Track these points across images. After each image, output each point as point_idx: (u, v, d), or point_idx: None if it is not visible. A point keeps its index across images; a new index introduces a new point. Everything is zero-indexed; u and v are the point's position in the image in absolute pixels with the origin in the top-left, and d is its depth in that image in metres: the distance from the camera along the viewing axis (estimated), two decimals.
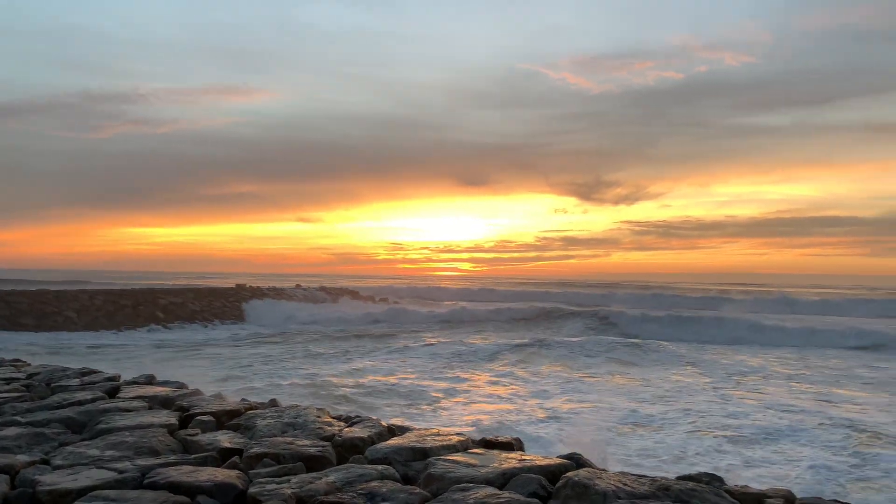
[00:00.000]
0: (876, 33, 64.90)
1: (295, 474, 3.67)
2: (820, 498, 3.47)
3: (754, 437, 8.79)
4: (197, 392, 6.29)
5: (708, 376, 14.07)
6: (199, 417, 4.96)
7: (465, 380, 13.24)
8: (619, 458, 7.57)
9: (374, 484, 3.48)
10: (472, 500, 3.23)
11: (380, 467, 3.82)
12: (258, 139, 78.88)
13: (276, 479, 3.54)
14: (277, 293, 32.86)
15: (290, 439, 4.35)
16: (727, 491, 3.56)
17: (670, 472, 4.84)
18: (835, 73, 70.31)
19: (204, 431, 4.67)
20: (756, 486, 3.90)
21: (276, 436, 4.52)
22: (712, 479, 3.86)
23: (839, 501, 3.43)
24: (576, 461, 4.08)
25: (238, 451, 4.17)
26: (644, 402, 11.09)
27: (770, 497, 3.41)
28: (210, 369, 14.12)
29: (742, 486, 3.71)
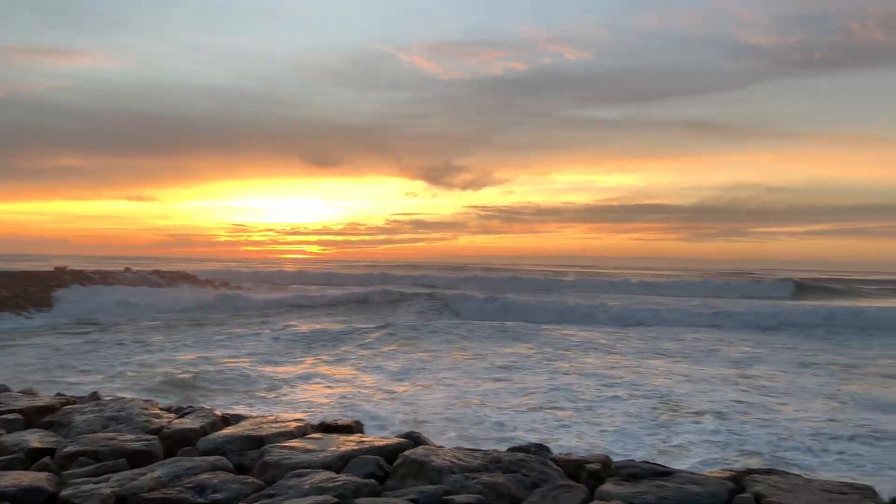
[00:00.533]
0: (696, 39, 71.54)
1: (116, 472, 3.43)
2: (632, 460, 3.80)
3: (576, 407, 9.48)
4: (4, 388, 5.70)
5: (538, 352, 14.91)
6: (3, 416, 4.48)
7: (308, 364, 13.05)
8: (459, 434, 7.84)
9: (204, 476, 3.34)
10: (307, 486, 3.19)
11: (212, 458, 3.67)
12: (85, 108, 70.91)
13: (94, 479, 3.29)
14: (104, 277, 30.33)
15: (112, 435, 4.06)
16: (552, 459, 3.81)
17: (503, 445, 5.08)
18: (660, 72, 76.64)
19: (9, 431, 4.23)
20: (580, 453, 4.20)
21: (95, 432, 4.19)
22: (540, 449, 4.10)
23: (650, 462, 3.77)
24: (414, 440, 4.17)
25: (50, 451, 3.82)
26: (479, 379, 11.56)
27: (589, 462, 3.69)
28: (22, 363, 12.77)
29: (565, 454, 3.98)
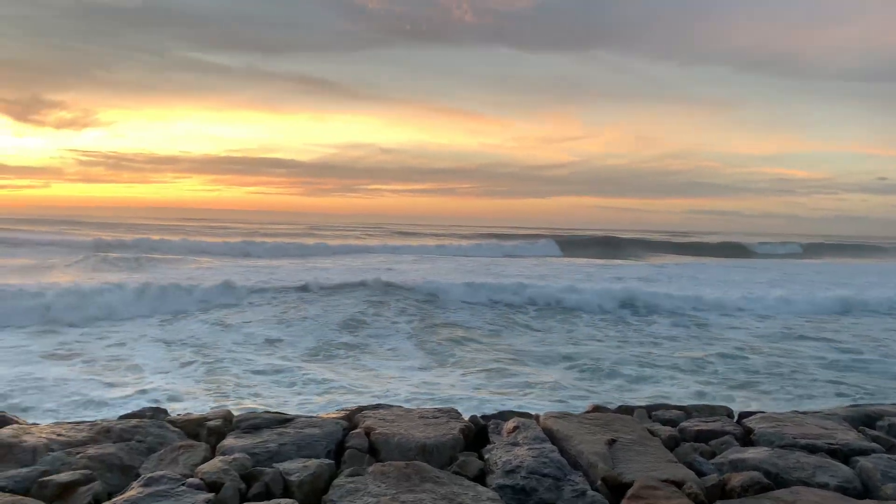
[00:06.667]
0: None
1: None
2: (254, 411, 3.86)
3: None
4: None
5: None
6: None
7: None
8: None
9: None
10: None
11: None
12: None
13: None
14: None
15: None
16: (170, 421, 3.65)
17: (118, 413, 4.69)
18: (281, 23, 76.23)
19: None
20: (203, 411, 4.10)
21: None
22: (156, 412, 3.90)
23: (271, 412, 3.88)
24: None
25: None
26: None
27: (210, 419, 3.63)
28: None
29: (185, 415, 3.85)
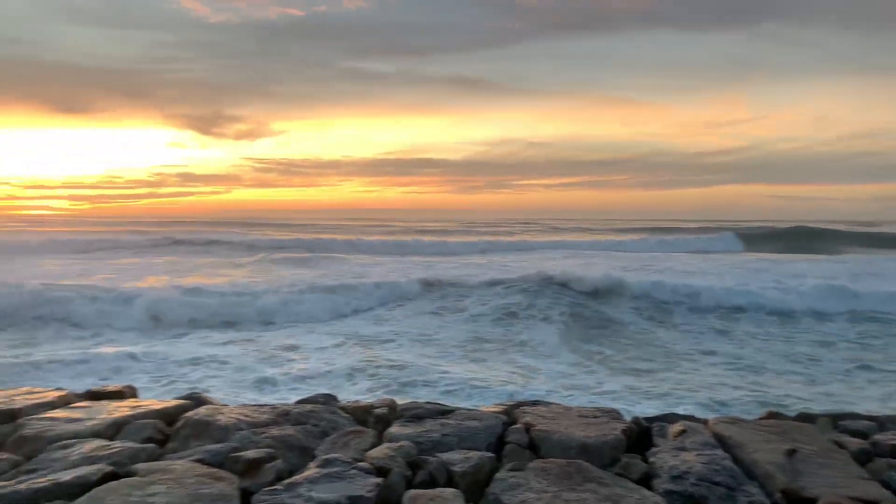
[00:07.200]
0: None
1: None
2: (416, 402, 4.00)
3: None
4: None
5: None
6: None
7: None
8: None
9: None
10: (76, 456, 2.93)
11: None
12: None
13: None
14: None
15: None
16: (341, 408, 3.88)
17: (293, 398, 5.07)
18: (429, 27, 78.36)
19: None
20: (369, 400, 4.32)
21: None
22: (328, 399, 4.16)
23: (432, 403, 4.00)
24: (196, 400, 4.00)
25: None
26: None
27: (377, 407, 3.82)
28: None
29: (353, 402, 4.08)
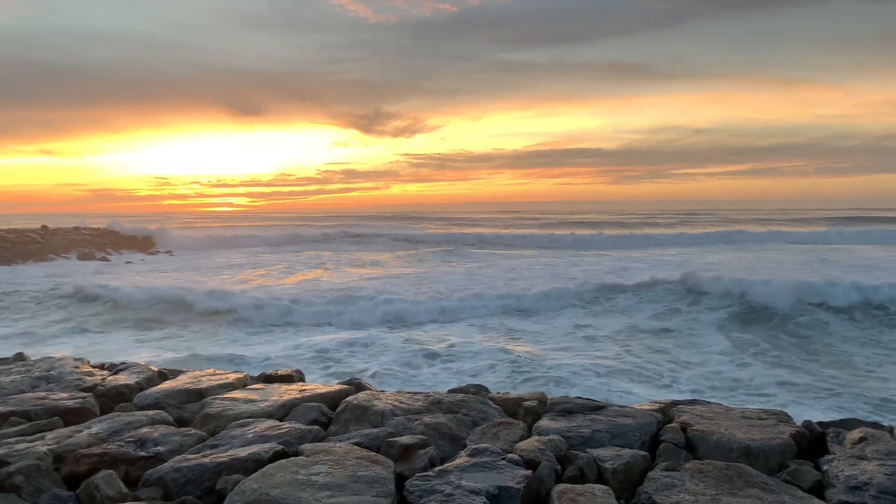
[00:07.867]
0: None
1: (51, 430, 3.35)
2: (566, 396, 3.96)
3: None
4: None
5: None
6: None
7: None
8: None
9: (144, 430, 3.30)
10: (251, 435, 3.21)
11: (151, 413, 3.63)
12: None
13: (28, 438, 3.21)
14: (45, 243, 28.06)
15: (43, 394, 3.94)
16: (491, 399, 3.93)
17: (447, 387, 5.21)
18: (583, 13, 76.62)
19: None
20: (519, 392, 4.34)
21: (24, 392, 4.07)
22: (479, 390, 4.23)
23: (583, 398, 3.94)
24: (356, 386, 4.23)
25: None
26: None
27: (527, 400, 3.83)
28: None
29: (504, 393, 4.11)
